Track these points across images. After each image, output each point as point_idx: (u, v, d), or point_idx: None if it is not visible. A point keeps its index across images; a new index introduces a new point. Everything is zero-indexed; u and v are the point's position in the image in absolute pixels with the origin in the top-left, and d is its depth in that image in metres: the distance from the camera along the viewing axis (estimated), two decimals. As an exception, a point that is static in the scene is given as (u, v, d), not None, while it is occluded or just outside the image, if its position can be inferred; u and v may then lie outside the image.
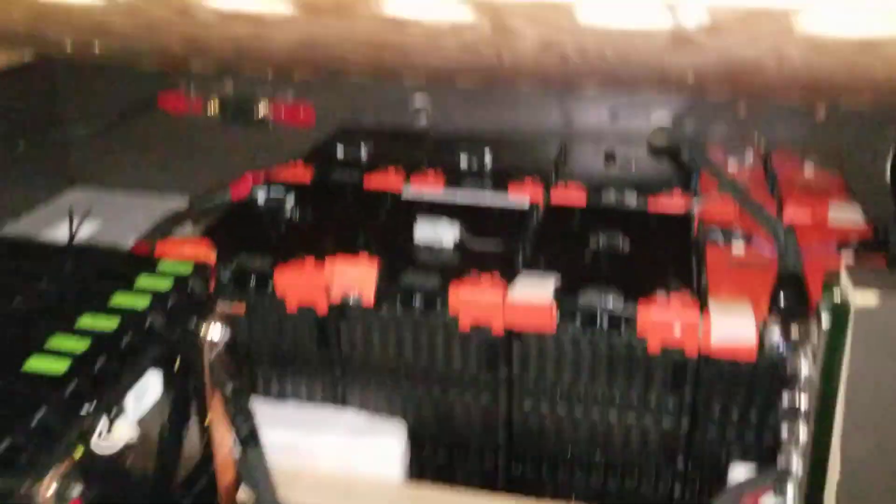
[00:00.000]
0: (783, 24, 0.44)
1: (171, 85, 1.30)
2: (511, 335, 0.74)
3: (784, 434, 0.60)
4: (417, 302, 0.75)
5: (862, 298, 0.53)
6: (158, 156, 1.37)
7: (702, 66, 0.64)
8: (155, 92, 1.30)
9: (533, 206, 0.91)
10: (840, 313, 0.54)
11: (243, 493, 0.71)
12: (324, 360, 0.81)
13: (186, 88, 1.29)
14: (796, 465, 0.60)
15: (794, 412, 0.59)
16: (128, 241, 0.89)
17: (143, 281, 0.64)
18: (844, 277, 0.55)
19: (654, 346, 0.70)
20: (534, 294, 0.72)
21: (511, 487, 0.81)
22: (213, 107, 1.28)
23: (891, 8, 0.38)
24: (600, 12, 0.44)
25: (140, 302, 0.61)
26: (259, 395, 0.84)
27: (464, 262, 0.79)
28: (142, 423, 0.57)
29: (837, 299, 0.55)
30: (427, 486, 0.79)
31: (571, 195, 0.94)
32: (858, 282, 0.54)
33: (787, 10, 0.39)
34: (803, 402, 0.58)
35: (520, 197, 0.93)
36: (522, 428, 0.79)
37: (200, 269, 0.67)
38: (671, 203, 0.91)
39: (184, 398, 0.64)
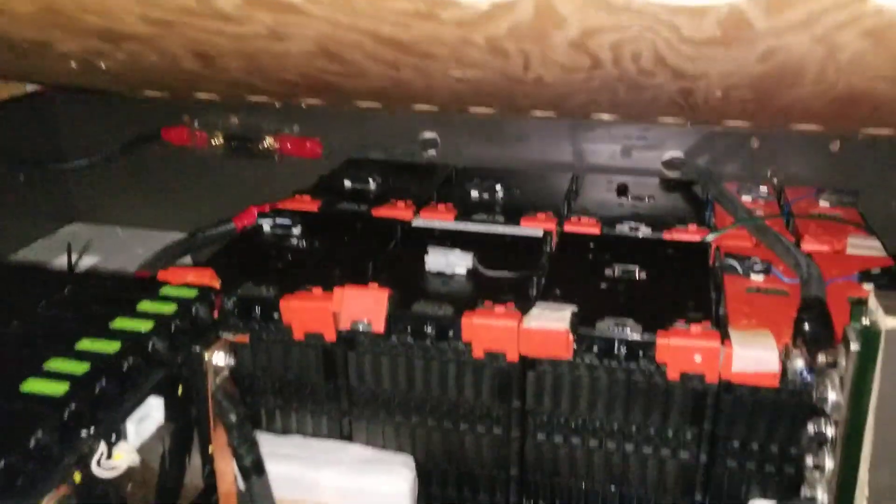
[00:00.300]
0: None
1: (175, 118, 1.29)
2: (525, 364, 0.72)
3: (809, 464, 0.58)
4: (429, 329, 0.73)
5: (893, 321, 0.52)
6: (162, 190, 1.37)
7: (739, 70, 0.62)
8: (158, 125, 1.30)
9: (547, 234, 0.90)
10: (869, 336, 0.52)
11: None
12: (330, 392, 0.79)
13: (191, 121, 1.29)
14: (821, 496, 0.58)
15: (819, 441, 0.57)
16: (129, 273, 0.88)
17: (146, 305, 0.62)
18: (873, 301, 0.54)
19: (672, 374, 0.68)
20: (550, 321, 0.70)
21: (523, 524, 0.78)
22: (218, 140, 1.27)
23: None
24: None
25: (142, 326, 0.59)
26: (263, 429, 0.82)
27: (477, 291, 0.77)
28: (143, 449, 0.55)
29: (867, 322, 0.53)
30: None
31: (585, 228, 0.92)
32: (889, 305, 0.52)
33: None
34: (829, 430, 0.56)
35: (533, 229, 0.91)
36: (535, 462, 0.76)
37: (205, 294, 0.65)
38: (686, 235, 0.90)
39: (186, 426, 0.62)
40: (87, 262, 1.22)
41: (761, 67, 0.60)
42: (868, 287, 0.74)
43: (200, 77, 0.86)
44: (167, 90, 1.10)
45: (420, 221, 0.95)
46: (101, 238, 1.33)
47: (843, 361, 0.55)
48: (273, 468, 0.71)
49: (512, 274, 0.80)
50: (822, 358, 0.57)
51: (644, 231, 0.91)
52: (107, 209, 1.40)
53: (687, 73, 0.64)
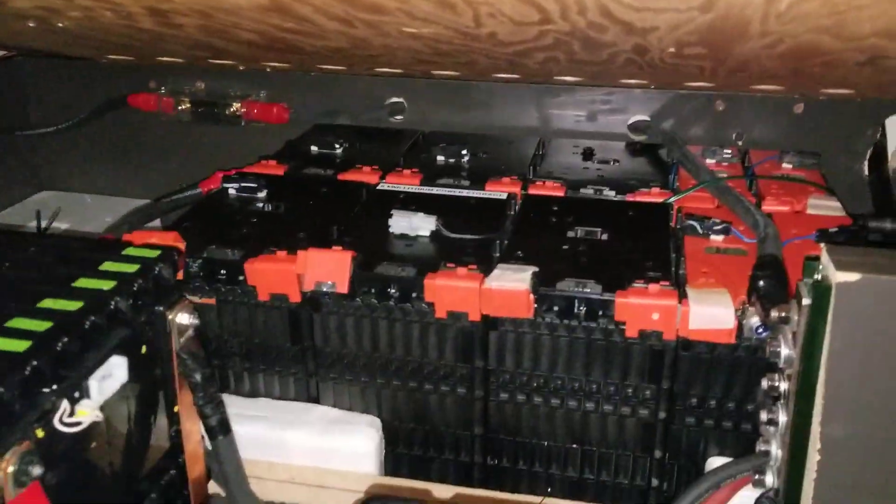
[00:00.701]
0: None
1: (141, 85, 1.28)
2: (487, 324, 0.73)
3: (763, 419, 0.59)
4: (393, 291, 0.74)
5: (843, 275, 0.53)
6: (130, 157, 1.36)
7: (684, 24, 0.63)
8: (125, 92, 1.28)
9: (511, 197, 0.90)
10: (820, 291, 0.54)
11: (213, 485, 0.69)
12: (296, 353, 0.80)
13: (157, 87, 1.28)
14: (775, 450, 0.59)
15: (773, 396, 0.59)
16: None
17: (109, 265, 0.62)
18: (825, 256, 0.55)
19: (631, 331, 0.69)
20: (511, 281, 0.71)
21: (487, 481, 0.80)
22: (185, 105, 1.26)
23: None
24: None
25: (104, 285, 0.59)
26: (231, 392, 0.83)
27: (440, 253, 0.78)
28: (106, 408, 0.55)
29: (818, 277, 0.54)
30: (402, 482, 0.77)
31: (549, 191, 0.93)
32: (839, 260, 0.53)
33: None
34: (783, 384, 0.58)
35: (497, 193, 0.92)
36: (498, 420, 0.78)
37: (167, 254, 0.65)
38: (649, 197, 0.91)
39: (151, 386, 0.62)
40: (56, 229, 1.21)
41: (706, 17, 0.60)
42: (826, 241, 0.76)
43: (159, 37, 0.85)
44: (130, 53, 1.09)
45: (386, 186, 0.95)
46: (70, 206, 1.32)
47: (795, 317, 0.56)
48: (240, 430, 0.72)
49: (475, 236, 0.81)
50: (775, 314, 0.58)
51: (608, 194, 0.92)
52: (76, 177, 1.39)
53: (636, 27, 0.65)
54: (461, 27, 0.67)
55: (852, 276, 0.52)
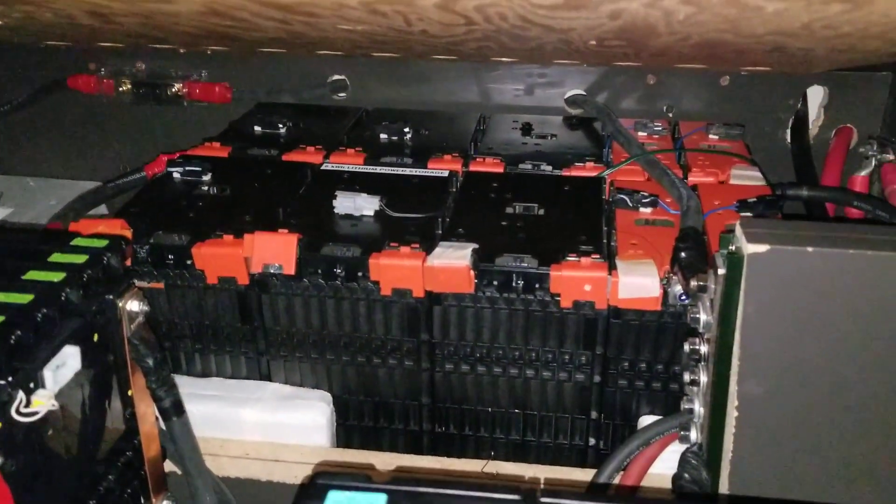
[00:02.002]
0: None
1: (80, 66, 1.27)
2: (431, 299, 0.76)
3: (686, 379, 0.63)
4: (339, 270, 0.76)
5: (753, 247, 0.56)
6: (71, 139, 1.35)
7: (597, 27, 0.66)
8: (64, 73, 1.27)
9: (452, 174, 0.93)
10: (734, 261, 0.57)
11: (169, 465, 0.72)
12: (246, 333, 0.82)
13: (97, 68, 1.27)
14: (698, 408, 0.63)
15: (695, 358, 0.63)
16: (41, 225, 0.88)
17: (57, 257, 0.63)
18: (738, 229, 0.59)
19: (566, 302, 0.73)
20: (452, 259, 0.74)
21: (435, 448, 0.84)
22: (126, 86, 1.25)
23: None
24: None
25: (54, 277, 0.60)
26: (183, 373, 0.85)
27: (384, 232, 0.81)
28: (61, 396, 0.57)
29: (733, 248, 0.58)
30: (353, 453, 0.81)
31: (489, 168, 0.96)
32: (751, 232, 0.57)
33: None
34: (703, 347, 0.62)
35: (439, 171, 0.94)
36: (444, 390, 0.81)
37: (115, 243, 0.66)
38: (585, 171, 0.94)
39: (104, 372, 0.64)
40: (-1, 214, 1.20)
41: (617, 23, 0.64)
42: (745, 214, 0.80)
43: (100, 30, 0.85)
44: (69, 40, 1.08)
45: (330, 166, 0.97)
46: (11, 189, 1.30)
47: (713, 285, 0.60)
48: (194, 409, 0.74)
49: (417, 215, 0.83)
50: (694, 283, 0.62)
51: (545, 169, 0.96)
52: (16, 160, 1.37)
53: (555, 28, 0.68)
54: (394, 26, 0.69)
55: (762, 248, 0.55)
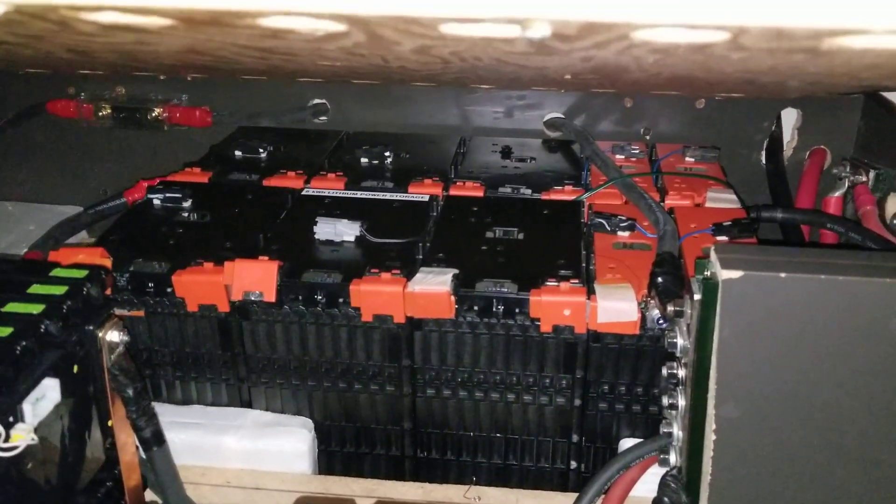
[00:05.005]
0: (622, 33, 0.47)
1: (60, 91, 1.27)
2: (412, 325, 0.77)
3: (665, 403, 0.64)
4: (320, 297, 0.76)
5: (728, 273, 0.57)
6: (50, 164, 1.34)
7: (571, 66, 0.68)
8: (43, 98, 1.27)
9: (433, 199, 0.94)
10: (709, 287, 0.58)
11: (150, 494, 0.71)
12: (227, 361, 0.82)
13: (76, 93, 1.27)
14: (677, 431, 0.64)
15: (673, 382, 0.63)
16: (20, 252, 0.88)
17: (37, 288, 0.63)
18: (713, 255, 0.60)
19: (545, 327, 0.74)
20: (432, 284, 0.74)
21: (417, 473, 0.84)
22: (105, 111, 1.25)
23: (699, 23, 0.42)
24: (459, 27, 0.47)
25: (33, 309, 0.60)
26: (164, 401, 0.84)
27: (365, 258, 0.81)
28: (41, 428, 0.57)
29: (708, 274, 0.59)
30: (335, 480, 0.81)
31: (469, 192, 0.97)
32: (725, 258, 0.58)
33: (622, 24, 0.43)
34: (681, 371, 0.63)
35: (419, 196, 0.95)
36: (426, 415, 0.81)
37: (95, 273, 0.66)
38: (564, 195, 0.95)
39: (84, 402, 0.64)
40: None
41: (589, 65, 0.65)
42: (721, 238, 0.81)
43: (79, 63, 0.85)
44: (48, 69, 1.08)
45: (311, 191, 0.97)
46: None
47: (689, 310, 0.61)
48: (175, 437, 0.74)
49: (398, 240, 0.84)
50: (671, 308, 0.63)
51: (525, 192, 0.96)
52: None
53: (530, 66, 0.69)
54: (372, 63, 0.70)
55: (736, 274, 0.56)
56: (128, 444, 0.69)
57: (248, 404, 0.83)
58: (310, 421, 0.82)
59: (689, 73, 0.67)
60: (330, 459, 0.85)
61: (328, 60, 0.68)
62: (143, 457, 0.70)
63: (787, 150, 1.15)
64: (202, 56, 0.67)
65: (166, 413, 0.78)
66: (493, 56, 0.61)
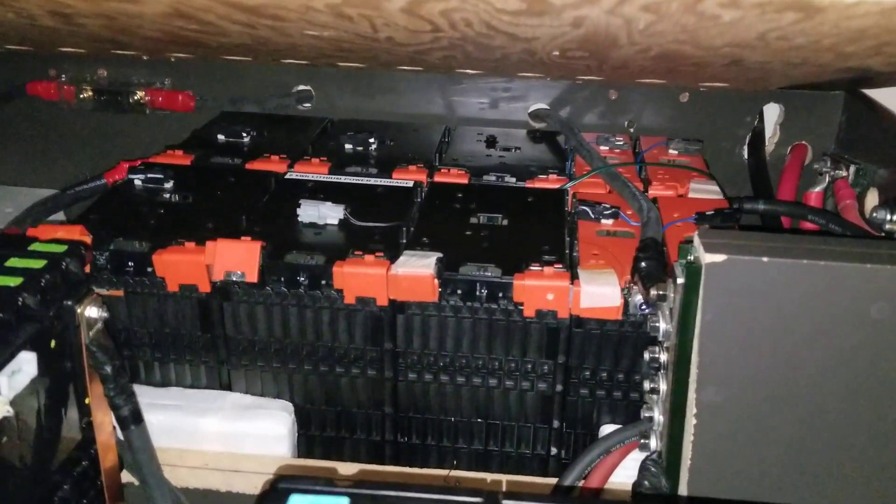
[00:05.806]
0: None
1: (41, 72, 1.25)
2: (395, 308, 0.76)
3: (647, 387, 0.64)
4: (302, 278, 0.76)
5: (711, 257, 0.57)
6: (31, 146, 1.33)
7: (560, 35, 0.67)
8: (24, 80, 1.25)
9: (417, 185, 0.93)
10: (692, 271, 0.58)
11: (126, 474, 0.71)
12: (207, 342, 0.81)
13: (58, 75, 1.25)
14: (658, 415, 0.64)
15: (655, 366, 0.64)
16: (-2, 231, 0.87)
17: (15, 262, 0.62)
18: (696, 240, 0.60)
19: (528, 311, 0.74)
20: (416, 267, 0.74)
21: (398, 458, 0.84)
22: (87, 93, 1.24)
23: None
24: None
25: (11, 281, 0.59)
26: (142, 382, 0.83)
27: (348, 241, 0.80)
28: (16, 402, 0.56)
29: (691, 258, 0.59)
30: (314, 463, 0.80)
31: (453, 179, 0.96)
32: (708, 242, 0.58)
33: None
34: (663, 356, 0.63)
35: (404, 181, 0.95)
36: (407, 400, 0.81)
37: (75, 248, 0.66)
38: (548, 184, 0.95)
39: (61, 379, 0.63)
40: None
41: (579, 31, 0.65)
42: (703, 226, 0.82)
43: (61, 33, 0.84)
44: (28, 45, 1.07)
45: (294, 175, 0.97)
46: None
47: (672, 294, 0.61)
48: (153, 418, 0.74)
49: (382, 224, 0.83)
50: (654, 292, 0.63)
51: (509, 180, 0.97)
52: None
53: (519, 36, 0.69)
54: (360, 32, 0.70)
55: (719, 258, 0.57)
56: (105, 424, 0.68)
57: (228, 387, 0.83)
58: (290, 404, 0.82)
59: (677, 46, 0.67)
60: (309, 444, 0.84)
61: (316, 27, 0.67)
62: (120, 436, 0.69)
63: (769, 146, 1.16)
64: (188, 23, 0.66)
65: (145, 395, 0.77)
66: (483, 19, 0.60)
